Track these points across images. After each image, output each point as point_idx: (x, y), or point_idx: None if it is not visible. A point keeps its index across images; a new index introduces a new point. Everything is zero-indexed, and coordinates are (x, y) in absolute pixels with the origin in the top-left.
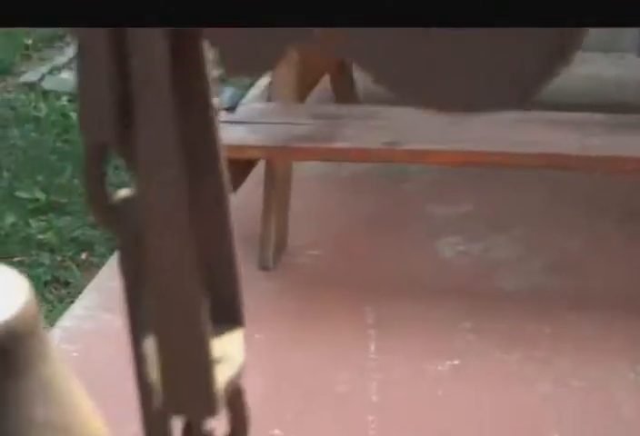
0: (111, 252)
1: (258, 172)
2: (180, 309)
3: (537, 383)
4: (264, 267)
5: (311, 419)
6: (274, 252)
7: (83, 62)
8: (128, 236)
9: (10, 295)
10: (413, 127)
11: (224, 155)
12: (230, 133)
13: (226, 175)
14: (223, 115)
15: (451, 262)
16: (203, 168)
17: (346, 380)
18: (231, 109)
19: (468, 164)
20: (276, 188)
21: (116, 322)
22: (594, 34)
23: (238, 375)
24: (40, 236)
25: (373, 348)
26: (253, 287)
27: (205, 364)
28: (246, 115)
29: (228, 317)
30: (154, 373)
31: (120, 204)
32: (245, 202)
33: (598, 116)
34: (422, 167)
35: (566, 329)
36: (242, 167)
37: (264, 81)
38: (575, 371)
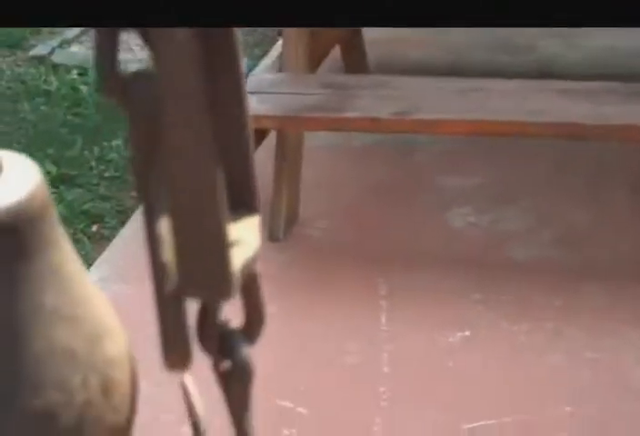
0: (122, 224)
1: (269, 143)
2: (196, 187)
3: (547, 354)
4: (274, 238)
5: (322, 390)
6: (284, 224)
7: None
8: (141, 111)
9: (21, 179)
10: (423, 97)
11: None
12: None
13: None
14: None
15: (461, 232)
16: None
17: (358, 351)
18: None
19: (479, 134)
20: (287, 159)
21: (129, 292)
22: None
23: (254, 260)
24: None
25: (384, 319)
26: (263, 258)
27: (220, 244)
28: (257, 86)
29: (243, 203)
30: (168, 255)
31: (133, 78)
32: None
33: (612, 85)
34: (432, 138)
35: (576, 300)
36: (253, 138)
37: (275, 52)
38: (585, 342)
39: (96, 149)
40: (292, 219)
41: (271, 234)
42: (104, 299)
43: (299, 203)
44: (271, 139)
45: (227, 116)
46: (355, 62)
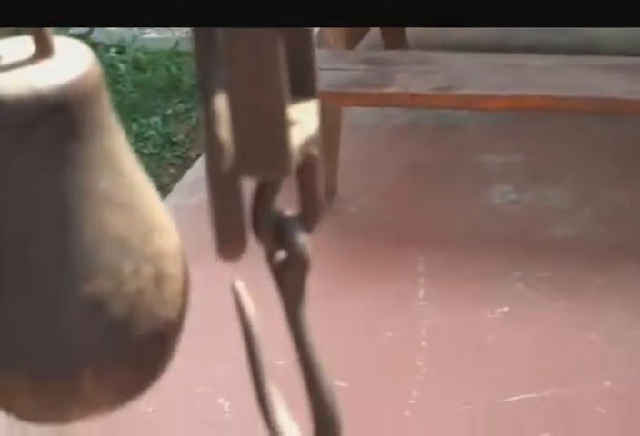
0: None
1: None
2: (258, 65)
3: (586, 331)
4: None
5: (361, 364)
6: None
7: None
8: None
9: (74, 60)
10: (463, 73)
11: None
12: None
13: None
14: None
15: (501, 210)
16: None
17: (396, 326)
18: None
19: (518, 109)
20: (326, 135)
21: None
22: None
23: (313, 140)
24: None
25: (422, 295)
26: None
27: (280, 121)
28: None
29: (302, 88)
30: (225, 131)
31: None
32: None
33: None
34: (471, 116)
35: (617, 278)
36: None
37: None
38: (624, 320)
39: (135, 126)
40: (330, 195)
41: None
42: (156, 193)
43: (337, 179)
44: None
45: None
46: (395, 38)
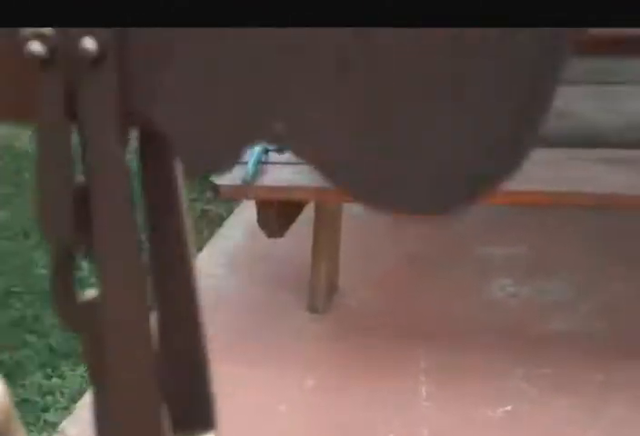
0: None
1: (307, 212)
2: (139, 416)
3: (588, 430)
4: (314, 310)
5: None
6: (324, 295)
7: (41, 153)
8: (92, 337)
9: None
10: None
11: (191, 242)
12: (279, 175)
13: (195, 266)
14: (272, 157)
15: (501, 304)
16: (170, 260)
17: (398, 427)
18: (280, 150)
19: (517, 203)
20: (326, 230)
21: None
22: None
23: None
24: None
25: (424, 393)
26: (303, 330)
27: None
28: (292, 156)
29: (198, 421)
30: None
31: (86, 305)
32: (294, 244)
33: None
34: (469, 207)
35: (617, 375)
36: (291, 209)
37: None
38: (626, 420)
39: None
40: (331, 290)
41: (310, 306)
42: None
43: (338, 274)
44: (309, 209)
45: (179, 333)
46: None
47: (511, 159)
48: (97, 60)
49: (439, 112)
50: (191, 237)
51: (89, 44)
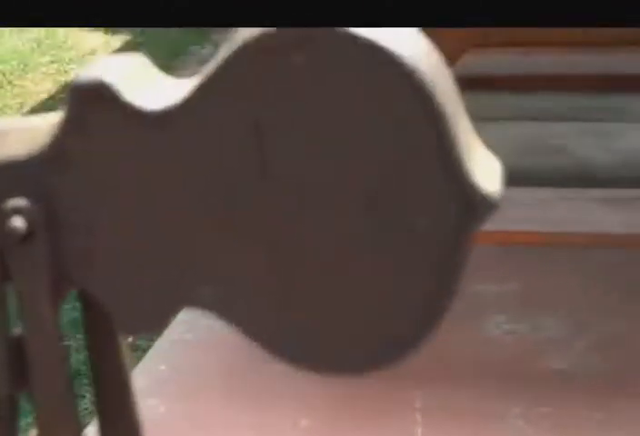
0: (157, 335)
1: None
2: None
3: None
4: None
5: None
6: None
7: None
8: None
9: None
10: None
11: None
12: None
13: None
14: None
15: (497, 341)
16: (114, 405)
17: None
18: None
19: (510, 244)
20: None
21: (161, 407)
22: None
23: None
24: None
25: (420, 434)
26: (297, 369)
27: None
28: None
29: None
30: None
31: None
32: None
33: None
34: None
35: (616, 413)
36: None
37: None
38: None
39: None
40: None
41: None
42: None
43: None
44: None
45: None
46: None
47: (425, 321)
48: (27, 236)
49: (355, 278)
50: (131, 382)
51: (18, 222)
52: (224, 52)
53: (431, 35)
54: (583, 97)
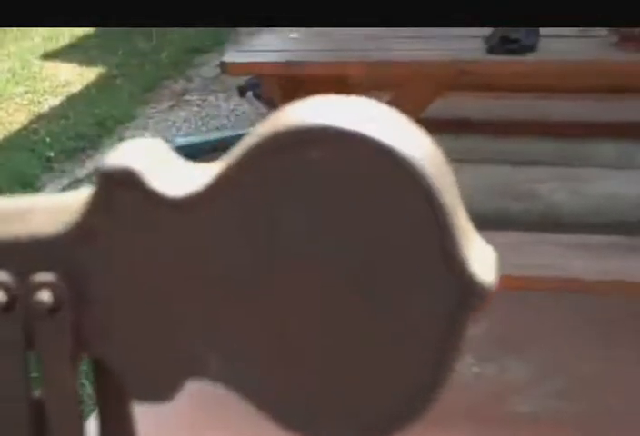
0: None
1: None
2: None
3: None
4: None
5: None
6: None
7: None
8: None
9: None
10: None
11: None
12: None
13: None
14: None
15: (465, 383)
16: None
17: None
18: None
19: None
20: None
21: None
22: (610, 150)
23: None
24: None
25: None
26: None
27: None
28: None
29: None
30: None
31: None
32: None
33: (614, 238)
34: None
35: None
36: None
37: None
38: None
39: None
40: None
41: None
42: None
43: None
44: None
45: None
46: None
47: (422, 403)
48: (53, 309)
49: (354, 360)
50: None
51: (45, 296)
52: (241, 146)
53: (407, 78)
54: (555, 142)
